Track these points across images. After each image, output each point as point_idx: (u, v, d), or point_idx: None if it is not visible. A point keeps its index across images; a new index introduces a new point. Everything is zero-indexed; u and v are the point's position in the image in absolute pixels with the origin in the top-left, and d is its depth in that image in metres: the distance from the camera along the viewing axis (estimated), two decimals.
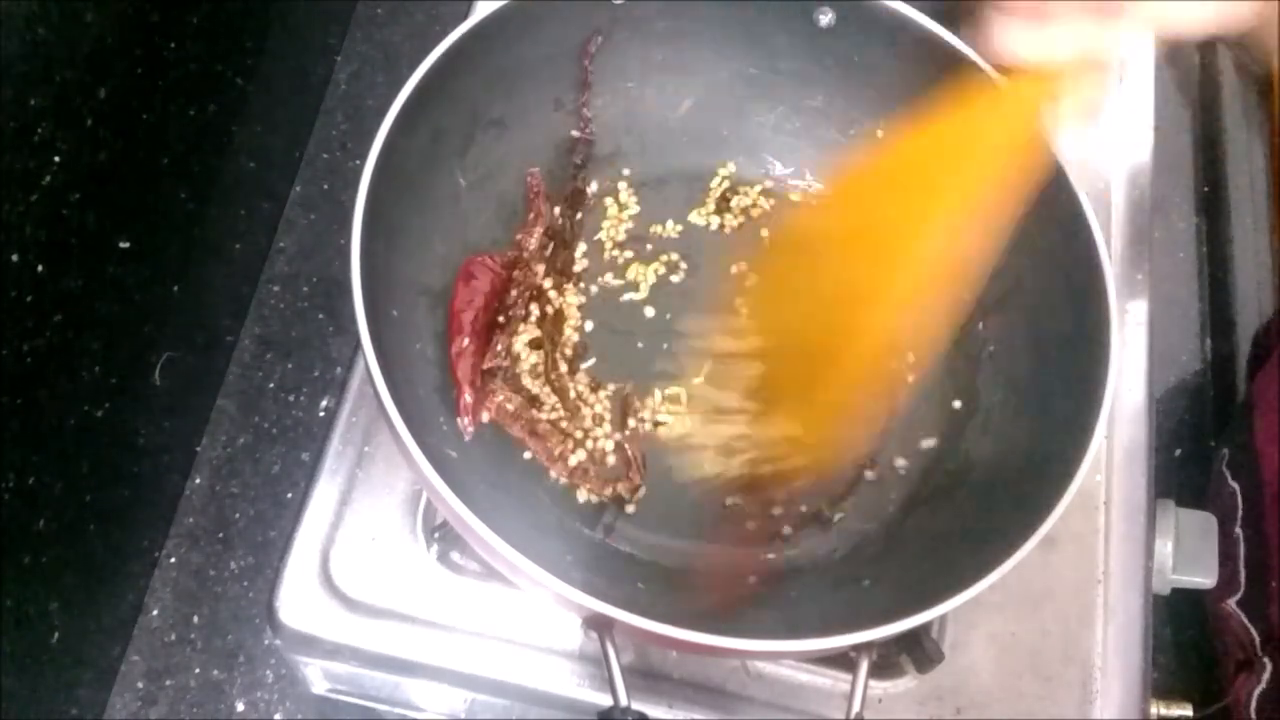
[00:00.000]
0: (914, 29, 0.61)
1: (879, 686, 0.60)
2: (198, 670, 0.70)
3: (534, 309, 0.64)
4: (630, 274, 0.66)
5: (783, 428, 0.58)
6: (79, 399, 0.61)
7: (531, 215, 0.64)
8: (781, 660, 0.60)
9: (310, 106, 0.87)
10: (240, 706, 0.70)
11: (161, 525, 0.73)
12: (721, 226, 0.68)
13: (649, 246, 0.67)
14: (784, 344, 0.58)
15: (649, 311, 0.65)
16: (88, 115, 0.57)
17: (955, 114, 0.52)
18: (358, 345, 0.51)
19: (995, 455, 0.60)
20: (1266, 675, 0.66)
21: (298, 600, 0.60)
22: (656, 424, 0.62)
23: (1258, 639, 0.68)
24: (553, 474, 0.60)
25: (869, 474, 0.62)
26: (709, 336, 0.64)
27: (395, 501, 0.63)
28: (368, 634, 0.60)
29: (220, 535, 0.74)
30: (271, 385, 0.78)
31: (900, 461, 0.63)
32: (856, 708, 0.50)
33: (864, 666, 0.50)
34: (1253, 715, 0.67)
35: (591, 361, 0.64)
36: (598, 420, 0.61)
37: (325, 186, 0.85)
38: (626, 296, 0.66)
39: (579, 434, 0.61)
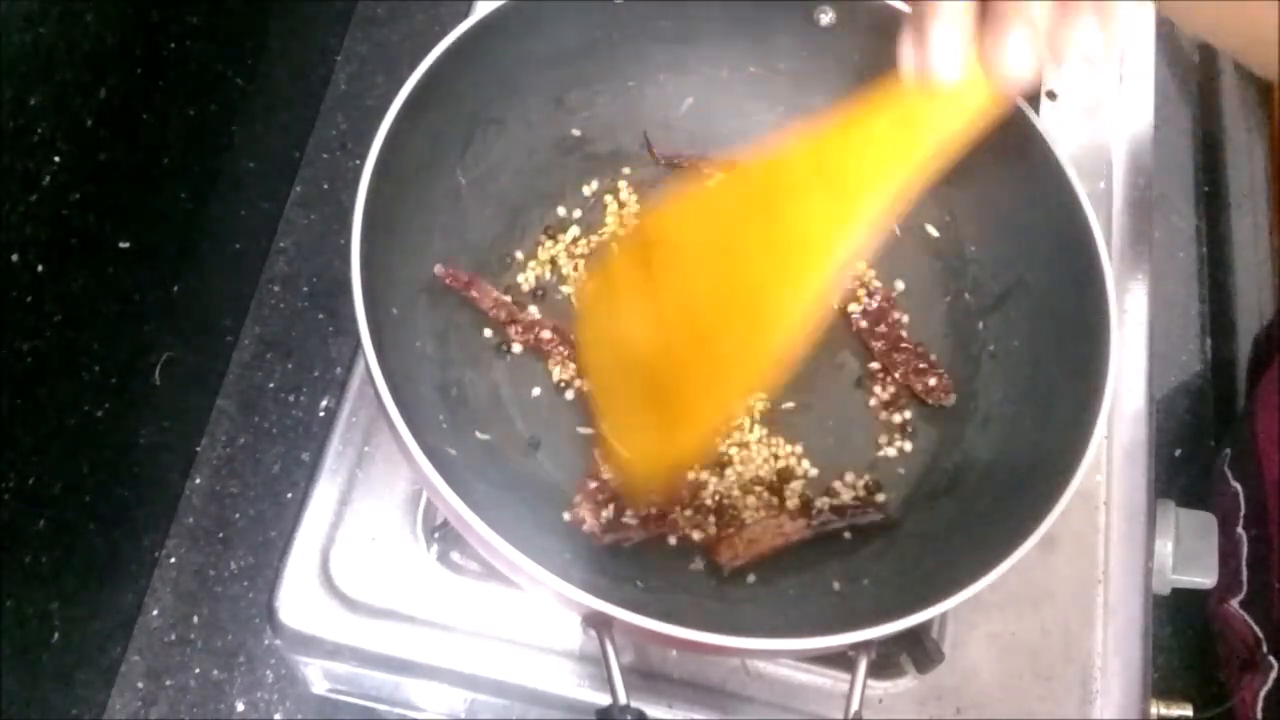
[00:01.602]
0: None
1: (879, 686, 0.60)
2: (198, 670, 0.70)
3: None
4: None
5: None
6: (79, 399, 0.61)
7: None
8: (781, 660, 0.60)
9: (310, 106, 0.87)
10: (240, 706, 0.70)
11: (161, 525, 0.73)
12: None
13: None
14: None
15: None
16: (88, 115, 0.57)
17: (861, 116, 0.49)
18: (358, 345, 0.51)
19: (995, 455, 0.60)
20: (1274, 675, 0.66)
21: (298, 600, 0.60)
22: None
23: (1263, 639, 0.68)
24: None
25: (867, 476, 0.62)
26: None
27: (395, 501, 0.63)
28: (368, 634, 0.60)
29: (220, 535, 0.74)
30: (271, 385, 0.78)
31: (899, 461, 0.63)
32: (855, 707, 0.50)
33: (863, 666, 0.50)
34: (1259, 716, 0.67)
35: None
36: None
37: (325, 186, 0.85)
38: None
39: None
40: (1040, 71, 0.45)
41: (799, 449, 0.62)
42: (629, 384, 0.56)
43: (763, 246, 0.49)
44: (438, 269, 0.61)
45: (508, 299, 0.63)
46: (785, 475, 0.62)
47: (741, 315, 0.50)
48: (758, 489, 0.61)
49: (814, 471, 0.62)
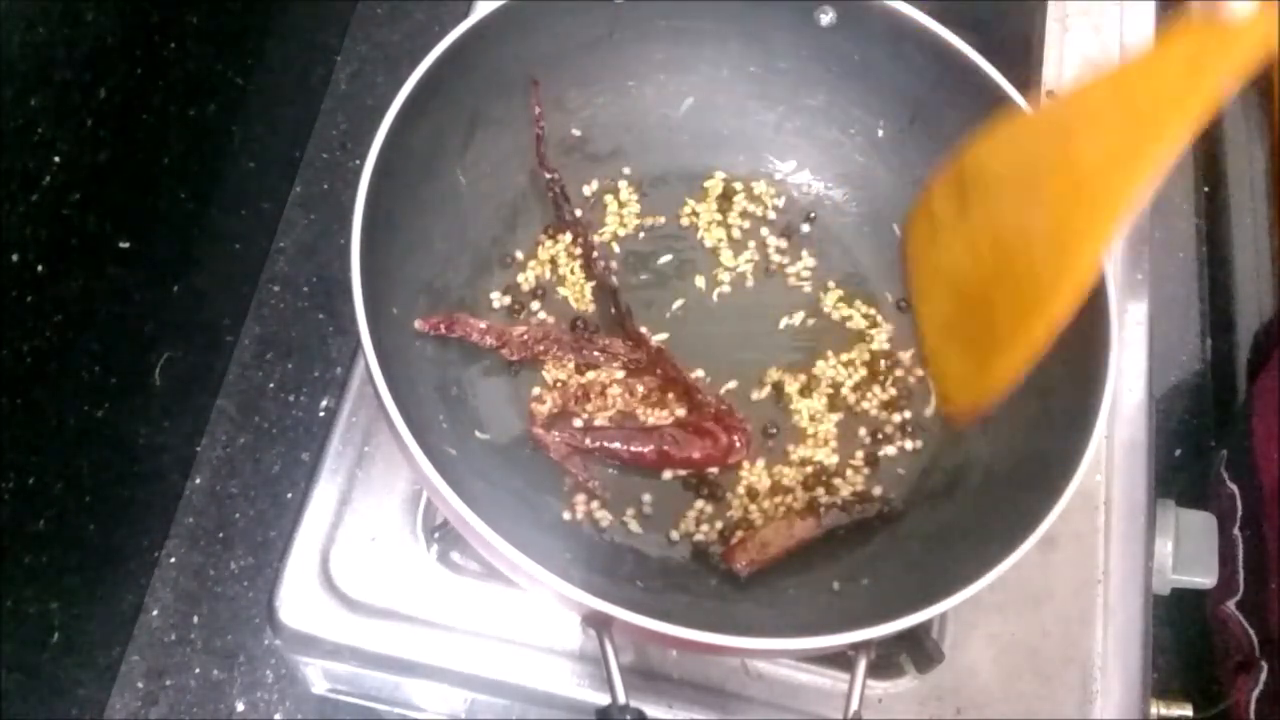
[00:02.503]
0: (914, 28, 0.61)
1: (879, 686, 0.60)
2: (198, 670, 0.70)
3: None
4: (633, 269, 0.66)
5: None
6: (79, 399, 0.61)
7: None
8: (781, 660, 0.60)
9: (310, 106, 0.87)
10: (240, 706, 0.70)
11: (161, 525, 0.73)
12: (722, 224, 0.68)
13: (650, 243, 0.67)
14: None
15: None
16: (88, 115, 0.57)
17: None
18: (358, 345, 0.51)
19: (995, 455, 0.60)
20: (1264, 677, 0.66)
21: (298, 600, 0.60)
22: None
23: (1256, 641, 0.68)
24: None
25: (866, 471, 0.62)
26: None
27: (395, 501, 0.63)
28: (368, 634, 0.60)
29: (220, 535, 0.74)
30: (271, 385, 0.78)
31: (899, 461, 0.63)
32: (855, 707, 0.50)
33: (862, 665, 0.50)
34: (1252, 717, 0.67)
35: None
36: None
37: (325, 186, 0.85)
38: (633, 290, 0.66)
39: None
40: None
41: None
42: (953, 310, 0.59)
43: (1064, 182, 0.51)
44: (418, 324, 0.59)
45: (484, 324, 0.61)
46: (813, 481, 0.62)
47: (1047, 247, 0.52)
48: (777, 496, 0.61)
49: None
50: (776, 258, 0.68)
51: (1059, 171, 0.51)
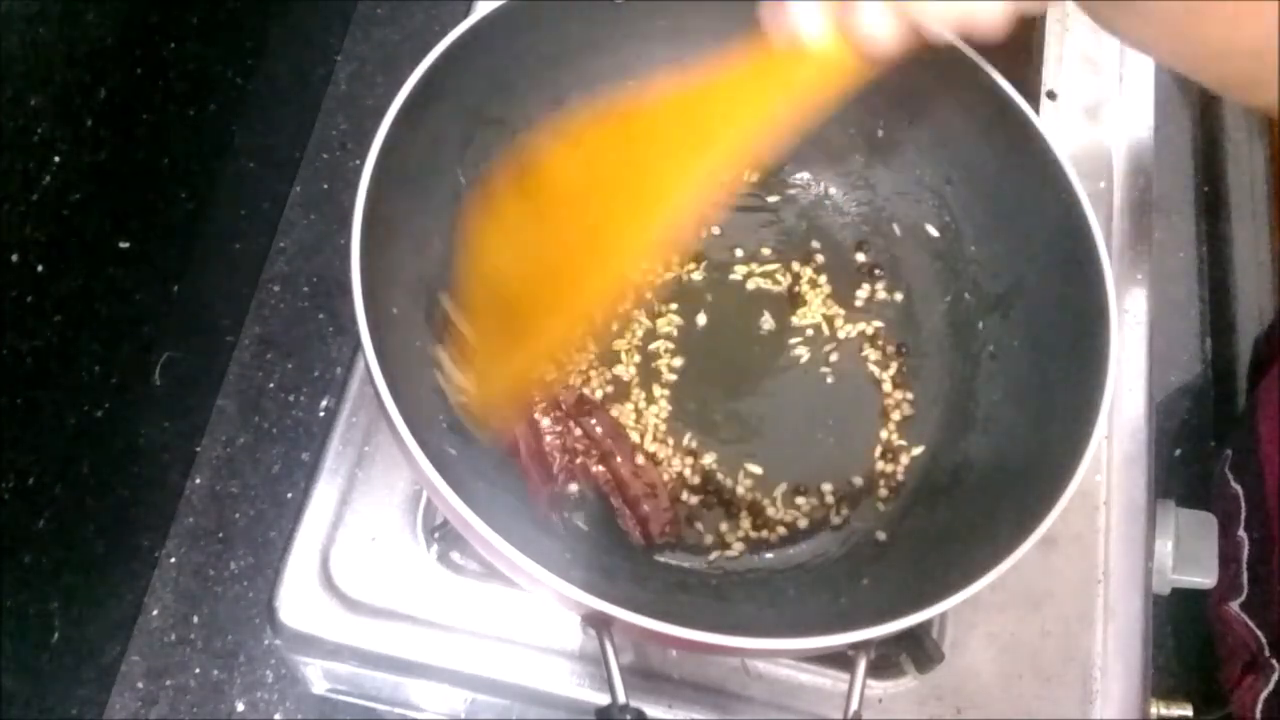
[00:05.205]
0: None
1: (879, 686, 0.60)
2: (198, 670, 0.70)
3: None
4: None
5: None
6: (79, 399, 0.61)
7: None
8: (781, 660, 0.60)
9: (310, 106, 0.87)
10: (240, 706, 0.70)
11: (161, 525, 0.73)
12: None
13: None
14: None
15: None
16: (88, 115, 0.57)
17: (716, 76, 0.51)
18: (358, 345, 0.51)
19: (995, 455, 0.60)
20: (1275, 677, 0.66)
21: (298, 600, 0.60)
22: None
23: (1265, 642, 0.67)
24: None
25: (869, 471, 0.62)
26: None
27: (395, 501, 0.63)
28: (368, 634, 0.60)
29: (220, 535, 0.74)
30: (271, 385, 0.78)
31: (900, 461, 0.63)
32: (854, 706, 0.50)
33: (862, 665, 0.50)
34: (1259, 718, 0.67)
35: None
36: None
37: (325, 186, 0.85)
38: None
39: None
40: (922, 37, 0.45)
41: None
42: (495, 313, 0.56)
43: (621, 190, 0.50)
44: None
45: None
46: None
47: (592, 250, 0.51)
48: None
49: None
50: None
51: (620, 178, 0.51)
